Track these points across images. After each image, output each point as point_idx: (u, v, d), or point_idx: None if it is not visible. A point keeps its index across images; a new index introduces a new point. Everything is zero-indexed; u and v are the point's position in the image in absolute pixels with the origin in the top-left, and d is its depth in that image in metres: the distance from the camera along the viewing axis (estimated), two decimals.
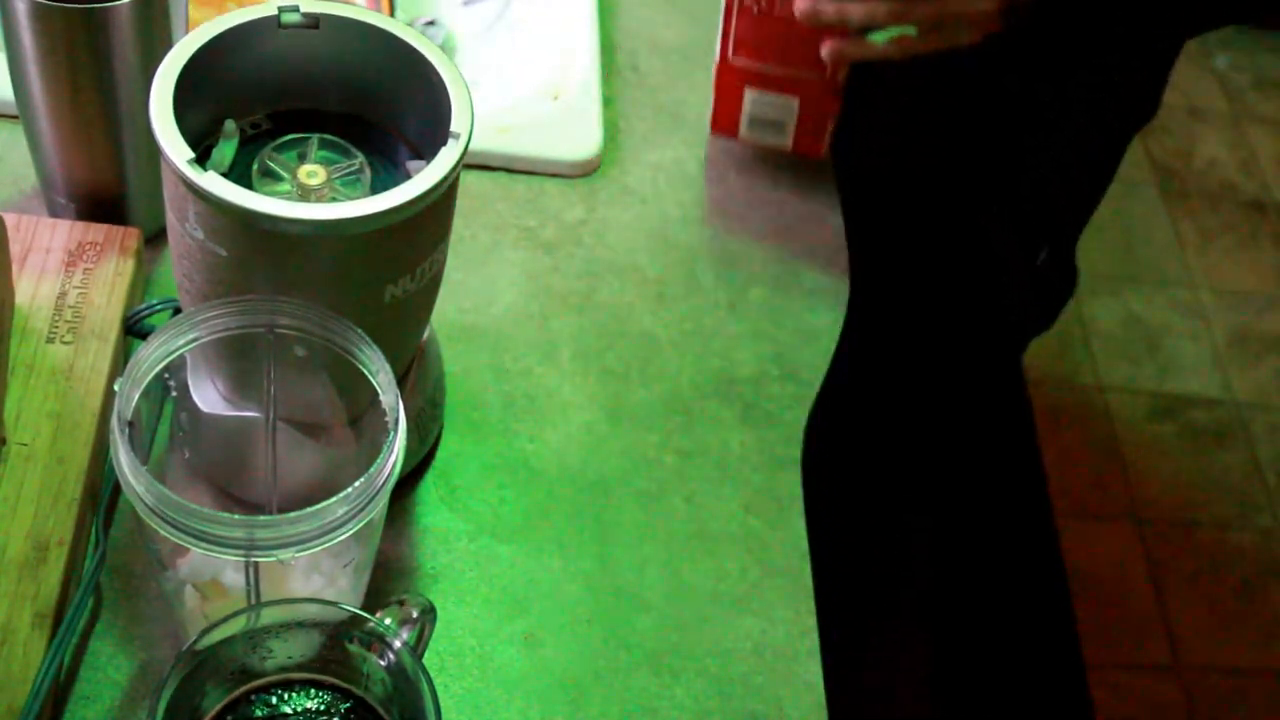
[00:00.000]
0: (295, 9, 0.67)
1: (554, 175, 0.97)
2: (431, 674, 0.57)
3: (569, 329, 0.89)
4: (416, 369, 0.75)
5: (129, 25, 0.76)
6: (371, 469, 0.58)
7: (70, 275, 0.78)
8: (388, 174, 0.69)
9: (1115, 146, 1.21)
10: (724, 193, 0.99)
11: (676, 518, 0.81)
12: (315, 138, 0.68)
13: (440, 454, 0.81)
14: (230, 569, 0.65)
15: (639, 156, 1.00)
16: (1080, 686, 1.85)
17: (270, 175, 0.67)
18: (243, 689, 0.58)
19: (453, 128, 0.64)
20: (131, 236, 0.81)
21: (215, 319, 0.61)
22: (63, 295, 0.78)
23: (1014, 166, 1.23)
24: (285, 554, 0.57)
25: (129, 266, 0.80)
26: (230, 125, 0.68)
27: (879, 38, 0.88)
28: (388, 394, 0.60)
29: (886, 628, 1.76)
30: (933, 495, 1.56)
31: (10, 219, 0.78)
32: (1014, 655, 1.86)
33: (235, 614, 0.57)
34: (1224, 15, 1.05)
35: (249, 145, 0.68)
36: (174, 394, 0.67)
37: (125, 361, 0.72)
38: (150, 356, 0.60)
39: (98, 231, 0.81)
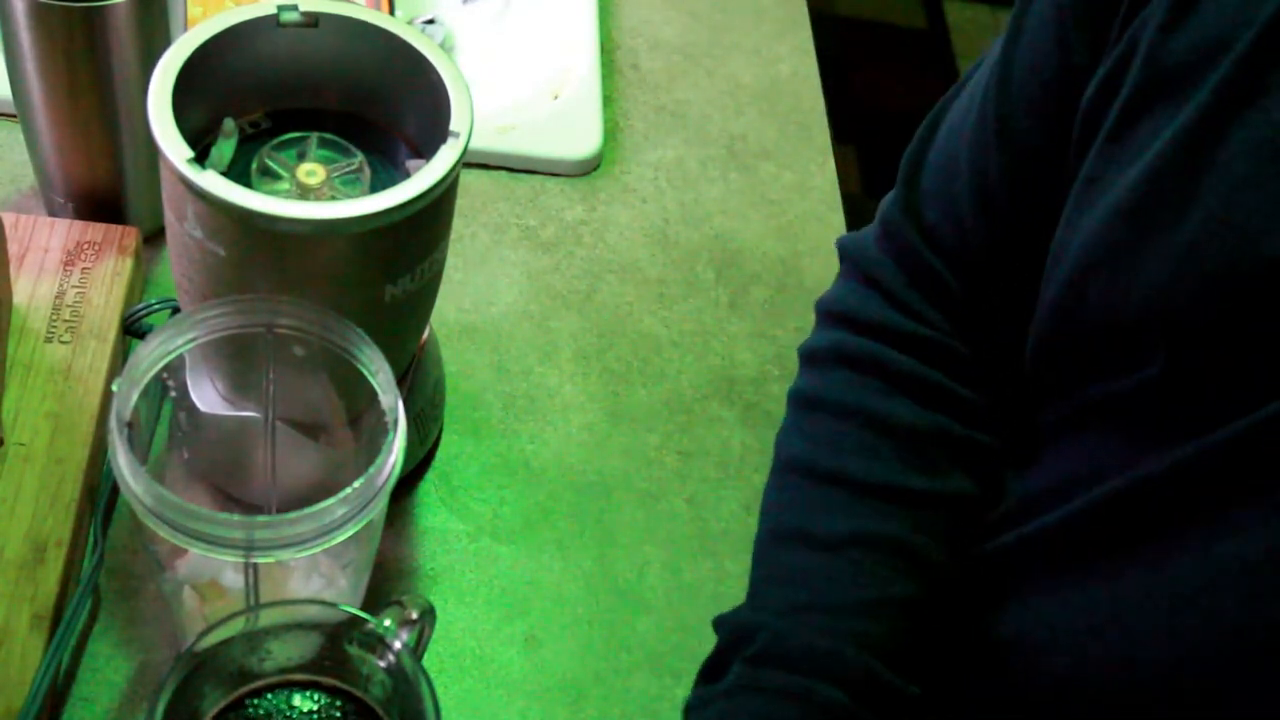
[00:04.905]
0: (294, 7, 0.66)
1: (554, 175, 0.96)
2: (431, 675, 0.56)
3: (569, 329, 0.88)
4: (416, 369, 0.75)
5: (127, 24, 0.76)
6: (371, 469, 0.58)
7: (68, 274, 0.78)
8: (387, 173, 0.69)
9: None
10: (724, 192, 0.99)
11: (677, 518, 0.81)
12: (314, 136, 0.68)
13: (440, 454, 0.81)
14: (229, 570, 0.65)
15: (639, 156, 0.99)
16: None
17: (269, 174, 0.67)
18: (242, 691, 0.58)
19: (452, 126, 0.64)
20: (130, 236, 0.81)
21: (214, 318, 0.61)
22: (61, 295, 0.77)
23: None
24: (284, 555, 0.57)
25: (127, 266, 0.79)
26: (229, 124, 0.67)
27: None
28: (387, 394, 0.60)
29: None
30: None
31: (8, 218, 0.78)
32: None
33: (234, 615, 0.56)
34: None
35: (248, 144, 0.68)
36: (173, 394, 0.67)
37: (124, 361, 0.72)
38: (149, 356, 0.60)
39: (96, 231, 0.80)
